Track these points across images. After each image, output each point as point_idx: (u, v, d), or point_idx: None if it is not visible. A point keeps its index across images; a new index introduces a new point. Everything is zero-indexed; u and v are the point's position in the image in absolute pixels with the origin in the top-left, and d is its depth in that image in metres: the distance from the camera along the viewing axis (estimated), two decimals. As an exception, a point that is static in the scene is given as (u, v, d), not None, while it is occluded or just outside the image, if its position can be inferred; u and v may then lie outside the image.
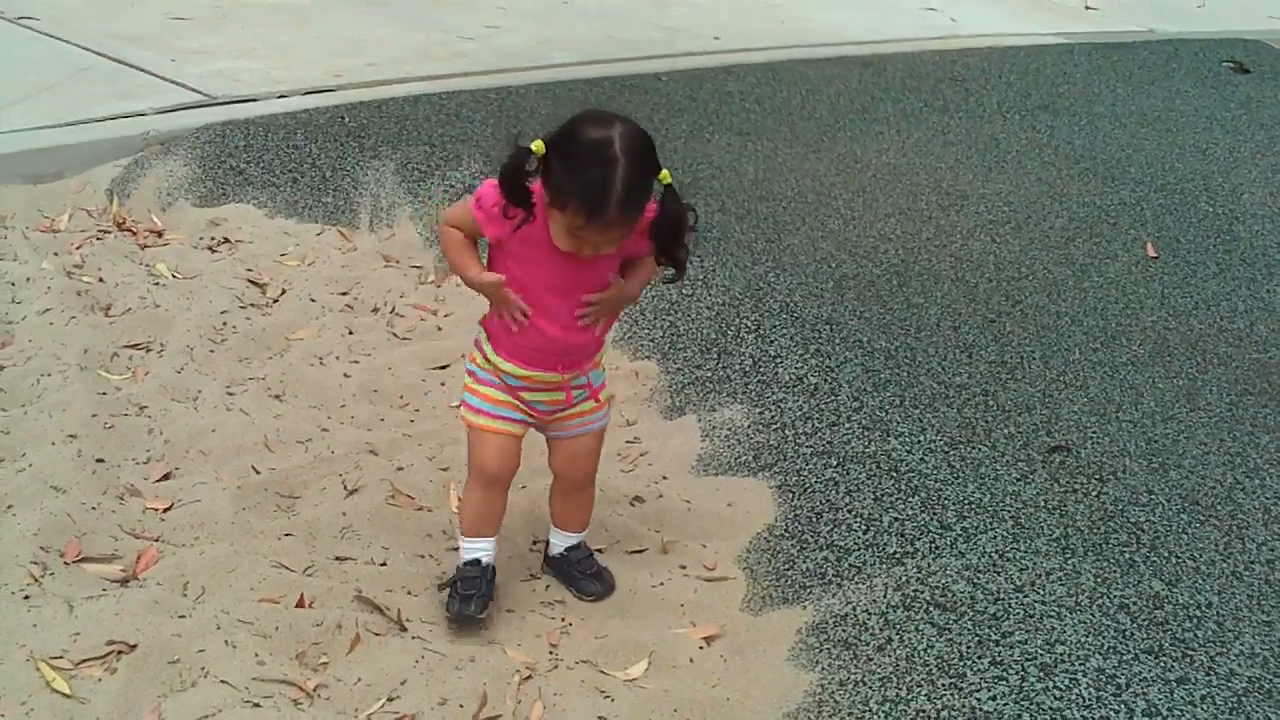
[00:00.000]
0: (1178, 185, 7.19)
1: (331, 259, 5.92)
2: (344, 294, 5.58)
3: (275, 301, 5.44)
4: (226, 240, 6.00)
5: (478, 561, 3.61)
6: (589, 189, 3.01)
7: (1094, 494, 4.01)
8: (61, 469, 3.99)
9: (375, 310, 5.48)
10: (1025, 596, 3.44)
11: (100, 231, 5.96)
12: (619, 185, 2.99)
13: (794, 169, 6.98)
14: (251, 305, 5.35)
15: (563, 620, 3.70)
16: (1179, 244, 6.34)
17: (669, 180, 3.16)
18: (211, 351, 4.93)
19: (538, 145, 3.06)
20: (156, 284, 5.45)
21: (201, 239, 6.01)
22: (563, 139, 3.07)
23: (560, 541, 3.82)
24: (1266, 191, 7.32)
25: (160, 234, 6.06)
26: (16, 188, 6.20)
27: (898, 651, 3.32)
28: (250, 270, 5.67)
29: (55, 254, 5.58)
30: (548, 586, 3.81)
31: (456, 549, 3.75)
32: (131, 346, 4.90)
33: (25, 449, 4.14)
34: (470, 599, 3.55)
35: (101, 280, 5.38)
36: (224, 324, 5.14)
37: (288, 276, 5.68)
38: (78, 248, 5.68)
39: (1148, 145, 8.04)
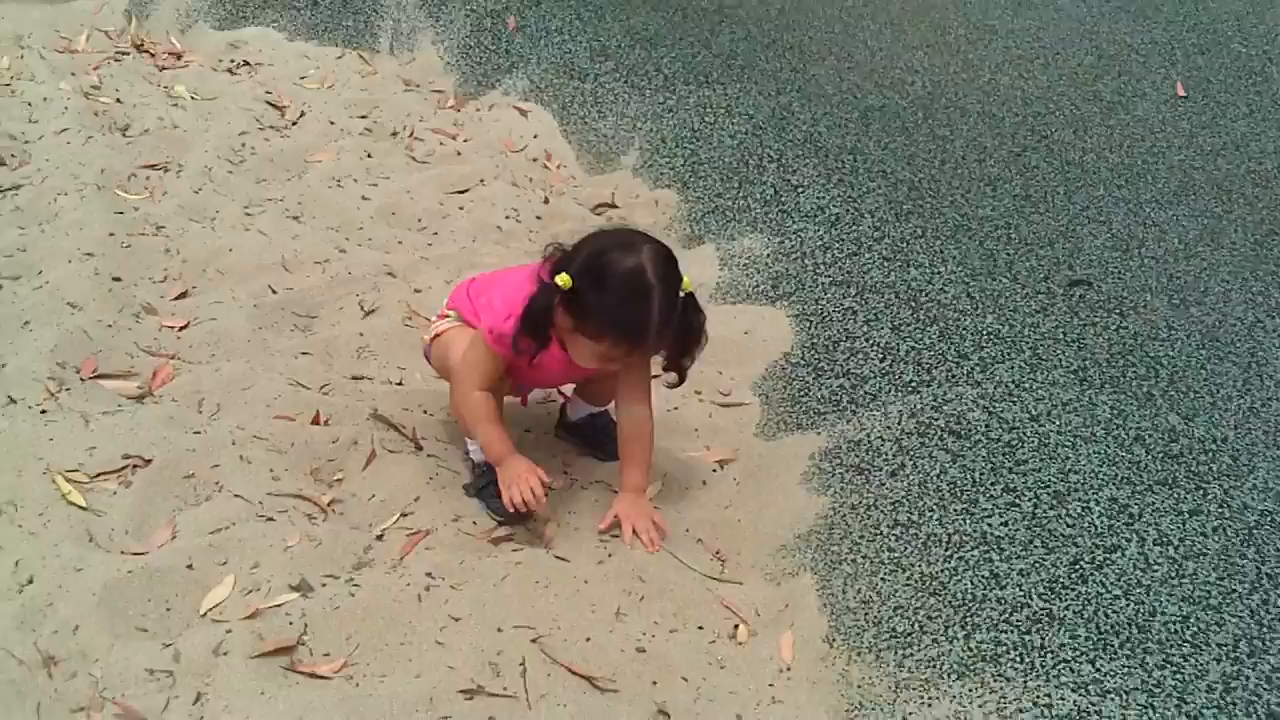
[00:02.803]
0: (1211, 25, 7.03)
1: (351, 82, 5.88)
2: (363, 117, 5.53)
3: (294, 124, 5.41)
4: (246, 63, 5.95)
5: None
6: (630, 323, 2.94)
7: (1113, 328, 3.98)
8: (78, 286, 3.99)
9: (394, 134, 5.44)
10: (1041, 426, 3.44)
11: (118, 53, 5.92)
12: (657, 314, 2.92)
13: None
14: (270, 127, 5.32)
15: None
16: (1209, 84, 6.23)
17: (690, 288, 3.06)
18: (230, 173, 4.90)
19: (564, 279, 2.95)
20: (175, 105, 5.42)
21: (221, 61, 5.97)
22: (591, 271, 2.95)
23: (583, 410, 3.68)
24: (1302, 32, 7.18)
25: (179, 56, 6.02)
26: (33, 7, 6.17)
27: (910, 477, 3.32)
28: (269, 93, 5.64)
29: (73, 74, 5.55)
30: (562, 408, 3.79)
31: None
32: (149, 167, 4.88)
33: (42, 267, 4.14)
34: None
35: (119, 101, 5.35)
36: (242, 145, 5.11)
37: (307, 99, 5.63)
38: (95, 69, 5.65)
39: (1182, -17, 7.87)
